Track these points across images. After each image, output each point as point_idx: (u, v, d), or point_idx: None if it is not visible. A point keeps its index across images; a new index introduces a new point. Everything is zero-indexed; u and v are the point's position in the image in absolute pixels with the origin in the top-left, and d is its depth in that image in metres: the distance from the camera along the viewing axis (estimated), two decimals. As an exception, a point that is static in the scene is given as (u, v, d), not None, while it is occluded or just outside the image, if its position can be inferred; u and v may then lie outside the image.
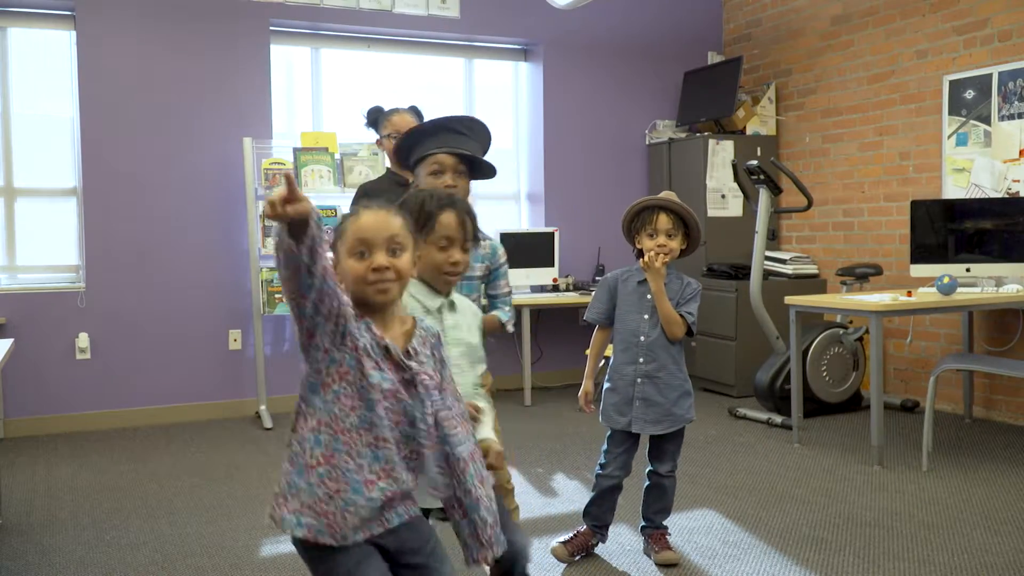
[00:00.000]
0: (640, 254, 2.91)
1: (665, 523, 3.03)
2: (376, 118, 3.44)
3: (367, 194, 3.32)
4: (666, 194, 2.93)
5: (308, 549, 1.64)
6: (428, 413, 1.67)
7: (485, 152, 2.72)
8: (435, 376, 1.71)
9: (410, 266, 1.69)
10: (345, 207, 5.51)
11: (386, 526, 1.65)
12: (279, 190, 1.41)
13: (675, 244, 2.87)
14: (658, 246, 2.84)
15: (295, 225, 1.44)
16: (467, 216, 2.08)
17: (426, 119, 3.37)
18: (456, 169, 2.53)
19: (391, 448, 1.64)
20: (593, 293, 3.11)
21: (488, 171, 2.65)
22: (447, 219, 2.04)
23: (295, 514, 1.61)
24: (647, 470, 3.01)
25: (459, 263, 2.04)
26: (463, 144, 2.55)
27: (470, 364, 2.08)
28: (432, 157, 2.49)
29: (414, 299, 2.02)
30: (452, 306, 2.09)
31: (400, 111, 3.40)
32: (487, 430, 1.96)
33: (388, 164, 3.42)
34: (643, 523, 3.05)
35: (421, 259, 1.96)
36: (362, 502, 1.61)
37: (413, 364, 1.67)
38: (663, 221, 2.85)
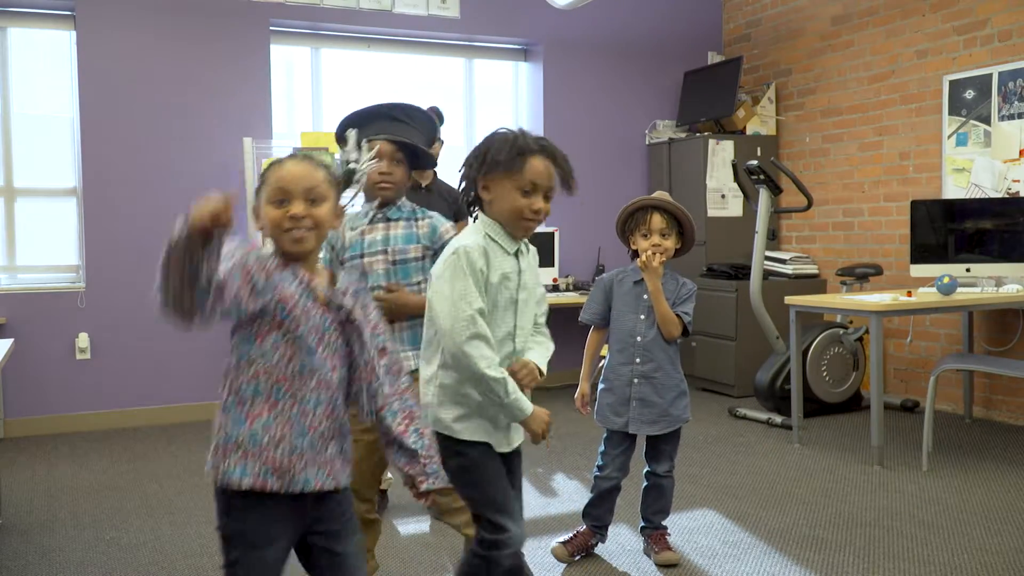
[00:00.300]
0: (635, 255, 2.91)
1: (665, 523, 3.02)
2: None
3: None
4: (659, 194, 2.95)
5: (240, 497, 1.63)
6: (367, 347, 1.72)
7: (430, 142, 2.67)
8: (364, 317, 1.75)
9: (330, 216, 1.71)
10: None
11: (320, 480, 1.67)
12: (213, 205, 1.42)
13: (670, 244, 2.88)
14: (653, 246, 2.84)
15: (203, 238, 1.45)
16: (560, 164, 1.99)
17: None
18: (393, 157, 2.47)
19: (333, 390, 1.69)
20: (588, 294, 3.10)
21: (426, 161, 2.62)
22: (537, 164, 1.95)
23: (239, 465, 1.62)
24: (645, 471, 3.01)
25: (541, 211, 1.96)
26: (401, 132, 2.49)
27: (535, 303, 2.11)
28: (370, 144, 2.41)
29: (494, 241, 1.98)
30: (527, 250, 2.07)
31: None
32: (535, 354, 2.08)
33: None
34: (642, 523, 3.04)
35: (498, 200, 1.97)
36: (306, 447, 1.65)
37: (344, 302, 1.71)
38: (657, 221, 2.86)
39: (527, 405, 1.98)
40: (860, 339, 5.16)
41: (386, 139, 2.44)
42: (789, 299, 4.49)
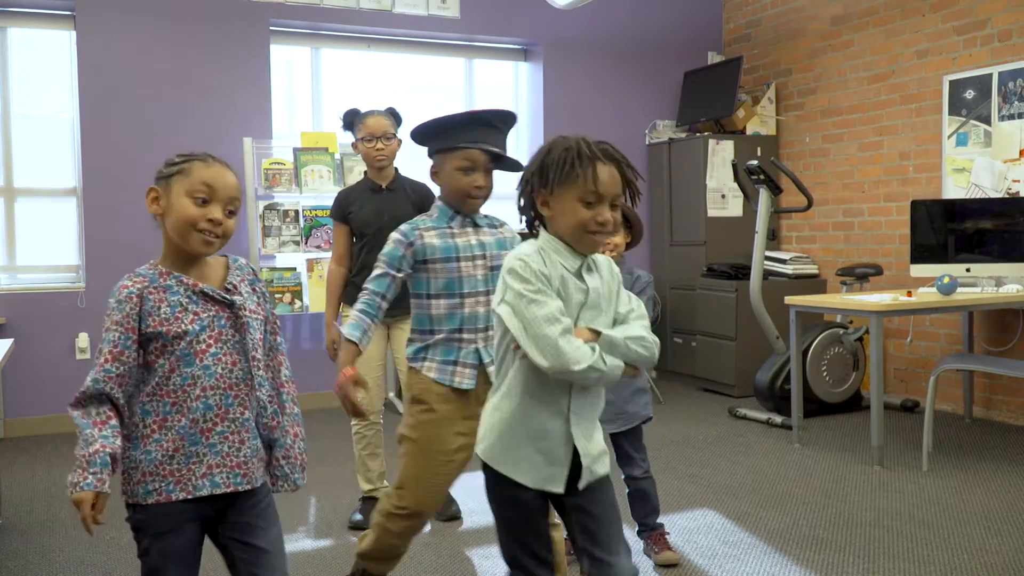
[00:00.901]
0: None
1: (660, 522, 3.02)
2: (352, 120, 3.37)
3: (346, 199, 3.36)
4: None
5: (145, 512, 1.70)
6: (258, 342, 1.78)
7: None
8: (258, 310, 1.80)
9: (233, 230, 1.76)
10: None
11: (229, 481, 1.73)
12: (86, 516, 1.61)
13: (619, 240, 2.83)
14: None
15: None
16: (625, 171, 1.82)
17: (405, 120, 3.35)
18: (487, 168, 2.33)
19: (221, 392, 1.72)
20: None
21: (513, 167, 2.35)
22: (604, 173, 1.75)
23: (141, 485, 1.69)
24: (623, 477, 2.98)
25: (607, 222, 1.75)
26: (498, 142, 2.35)
27: (597, 316, 1.81)
28: (464, 151, 2.25)
29: (558, 262, 1.75)
30: (595, 266, 1.83)
31: (376, 113, 3.33)
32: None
33: (365, 169, 3.42)
34: (638, 527, 3.04)
35: (557, 216, 1.75)
36: (203, 450, 1.70)
37: (236, 299, 1.75)
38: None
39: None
40: (860, 339, 5.16)
41: (485, 149, 2.28)
42: (789, 299, 4.49)
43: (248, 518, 1.78)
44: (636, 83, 6.53)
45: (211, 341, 1.71)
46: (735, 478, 3.92)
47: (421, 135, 2.37)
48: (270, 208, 5.28)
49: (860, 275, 5.16)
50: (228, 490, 1.73)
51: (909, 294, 4.28)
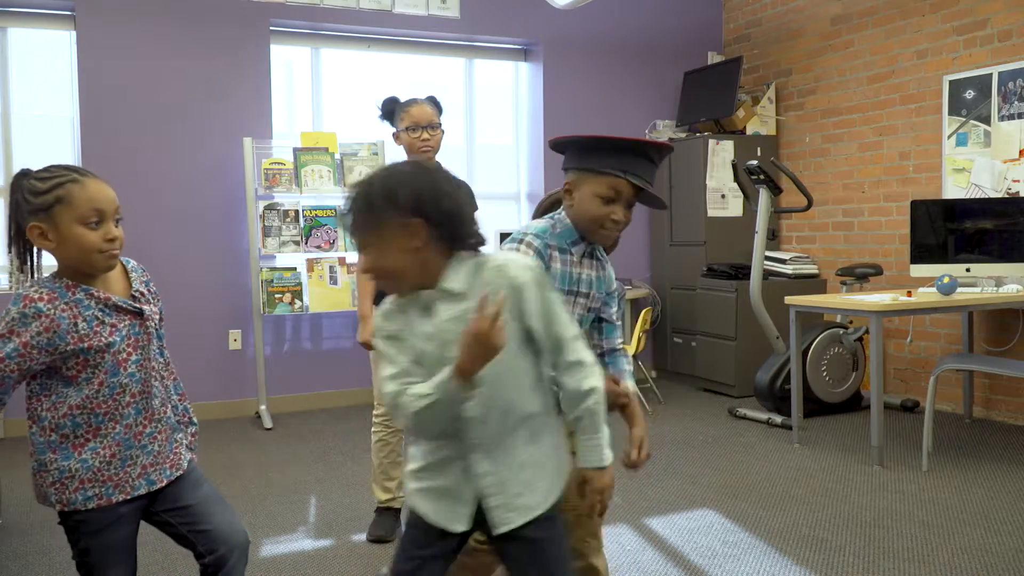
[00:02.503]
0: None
1: None
2: (392, 109, 3.19)
3: None
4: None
5: (83, 515, 1.75)
6: (164, 347, 1.88)
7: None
8: (155, 311, 1.87)
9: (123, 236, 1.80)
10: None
11: (162, 477, 1.83)
12: None
13: None
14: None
15: None
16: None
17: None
18: (629, 201, 1.97)
19: (148, 397, 1.80)
20: None
21: (655, 204, 2.02)
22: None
23: (79, 491, 1.73)
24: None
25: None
26: (649, 176, 2.01)
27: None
28: (611, 178, 1.92)
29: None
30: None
31: (419, 102, 3.14)
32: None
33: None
34: None
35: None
36: (136, 452, 1.78)
37: (145, 308, 1.81)
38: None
39: None
40: (860, 339, 5.16)
41: (638, 182, 1.93)
42: (789, 299, 4.49)
43: (177, 491, 1.87)
44: (636, 83, 6.53)
45: (130, 350, 1.77)
46: (735, 478, 3.92)
47: (565, 145, 2.03)
48: (270, 208, 5.29)
49: (860, 275, 5.16)
50: (163, 485, 1.84)
51: (909, 294, 4.28)
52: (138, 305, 1.80)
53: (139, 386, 1.78)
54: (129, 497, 1.77)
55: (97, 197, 1.71)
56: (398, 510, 3.28)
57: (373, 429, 3.24)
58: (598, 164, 1.95)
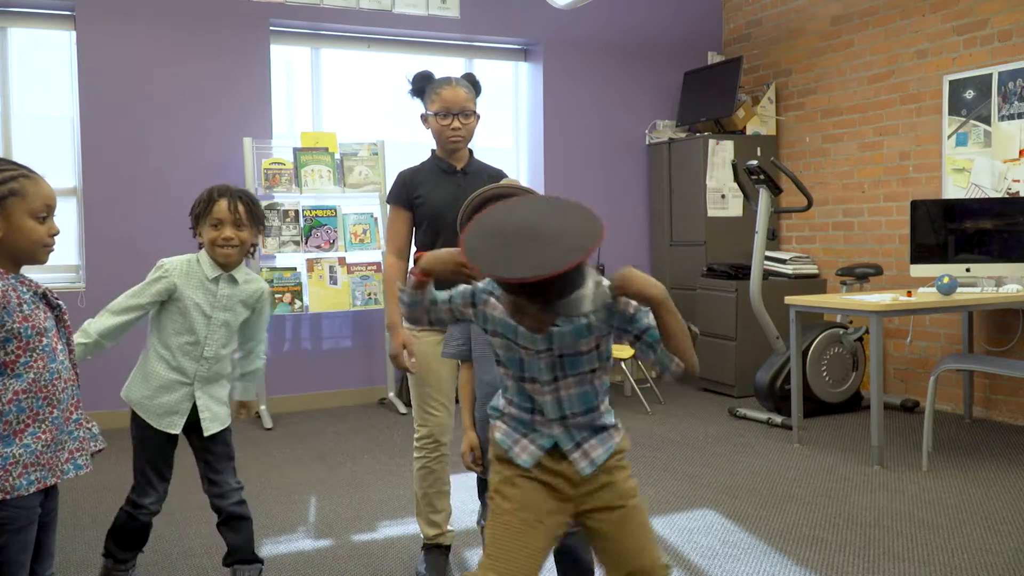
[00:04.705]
0: None
1: None
2: (423, 88, 2.86)
3: (411, 181, 2.81)
4: (507, 181, 2.23)
5: (9, 508, 1.78)
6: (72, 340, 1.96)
7: None
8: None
9: None
10: (345, 207, 5.52)
11: (88, 463, 1.92)
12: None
13: None
14: None
15: None
16: None
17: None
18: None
19: (73, 384, 1.89)
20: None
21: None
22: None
23: (23, 477, 1.78)
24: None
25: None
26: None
27: None
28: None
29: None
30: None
31: (452, 83, 2.80)
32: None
33: (434, 147, 2.88)
34: None
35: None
36: (65, 437, 1.86)
37: (62, 303, 1.92)
38: None
39: None
40: (860, 339, 5.16)
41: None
42: (789, 299, 4.49)
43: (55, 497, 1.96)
44: (636, 83, 6.53)
45: (56, 340, 1.86)
46: (735, 478, 3.92)
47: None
48: (270, 208, 5.28)
49: (860, 275, 5.16)
50: (88, 470, 1.92)
51: (909, 294, 4.28)
52: (57, 300, 1.90)
53: (68, 373, 1.88)
54: (59, 481, 1.85)
55: (48, 194, 1.83)
56: (448, 547, 2.87)
57: (415, 455, 2.82)
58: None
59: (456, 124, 2.77)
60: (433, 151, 2.87)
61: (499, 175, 2.80)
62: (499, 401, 1.89)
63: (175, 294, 2.55)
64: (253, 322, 2.66)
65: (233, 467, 2.68)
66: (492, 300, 1.78)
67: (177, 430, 2.61)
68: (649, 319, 1.70)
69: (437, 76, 2.87)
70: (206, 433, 2.61)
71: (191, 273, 2.56)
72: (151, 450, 2.61)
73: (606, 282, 1.68)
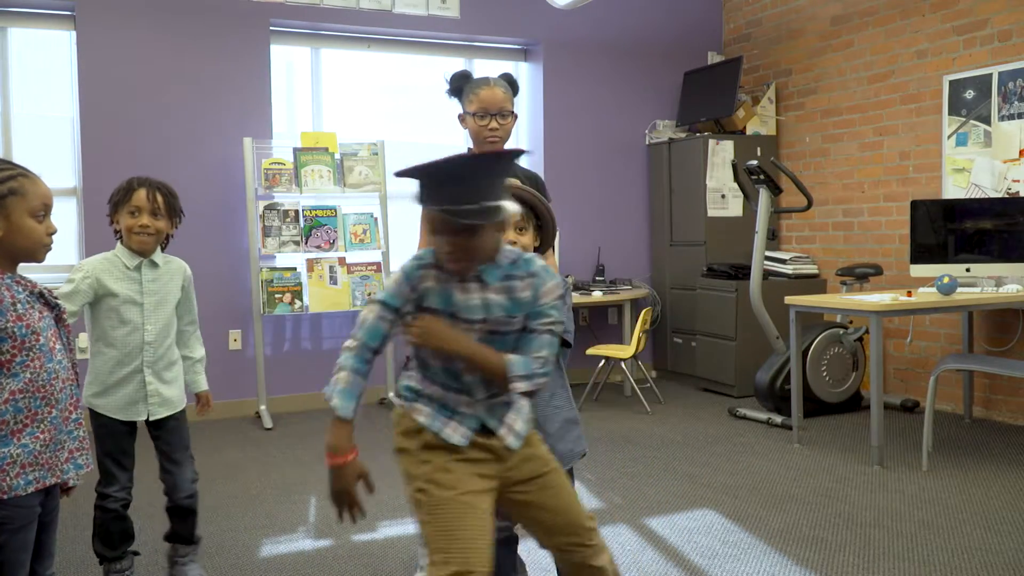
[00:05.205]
0: None
1: None
2: (460, 87, 2.83)
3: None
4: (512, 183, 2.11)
5: (8, 508, 1.78)
6: (73, 338, 1.98)
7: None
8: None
9: None
10: (345, 207, 5.52)
11: (88, 462, 1.94)
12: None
13: (526, 240, 2.14)
14: (508, 243, 1.94)
15: None
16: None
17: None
18: (456, 229, 1.74)
19: (71, 384, 1.91)
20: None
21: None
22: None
23: (21, 477, 1.79)
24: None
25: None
26: (475, 195, 1.74)
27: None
28: (429, 211, 1.80)
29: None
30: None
31: (491, 83, 2.78)
32: None
33: (470, 146, 2.87)
34: None
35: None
36: (64, 437, 1.87)
37: (59, 302, 1.93)
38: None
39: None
40: (860, 339, 5.16)
41: (435, 211, 1.75)
42: (789, 299, 4.49)
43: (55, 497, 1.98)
44: (636, 83, 6.53)
45: (54, 339, 1.87)
46: (735, 478, 3.92)
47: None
48: (270, 208, 5.29)
49: (860, 275, 5.16)
50: (87, 470, 1.92)
51: (909, 294, 4.28)
52: (55, 299, 1.90)
53: (66, 373, 1.88)
54: (58, 481, 1.86)
55: (46, 194, 1.85)
56: None
57: None
58: (420, 197, 1.78)
59: (494, 124, 2.76)
60: (469, 150, 2.86)
61: (535, 178, 2.79)
62: (410, 382, 1.94)
63: (100, 291, 2.65)
64: (182, 303, 2.80)
65: (190, 456, 2.76)
66: (425, 273, 1.83)
67: (143, 416, 2.67)
68: (556, 315, 1.83)
69: (475, 76, 2.86)
70: (152, 417, 2.67)
71: (112, 267, 2.70)
72: (108, 441, 2.66)
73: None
